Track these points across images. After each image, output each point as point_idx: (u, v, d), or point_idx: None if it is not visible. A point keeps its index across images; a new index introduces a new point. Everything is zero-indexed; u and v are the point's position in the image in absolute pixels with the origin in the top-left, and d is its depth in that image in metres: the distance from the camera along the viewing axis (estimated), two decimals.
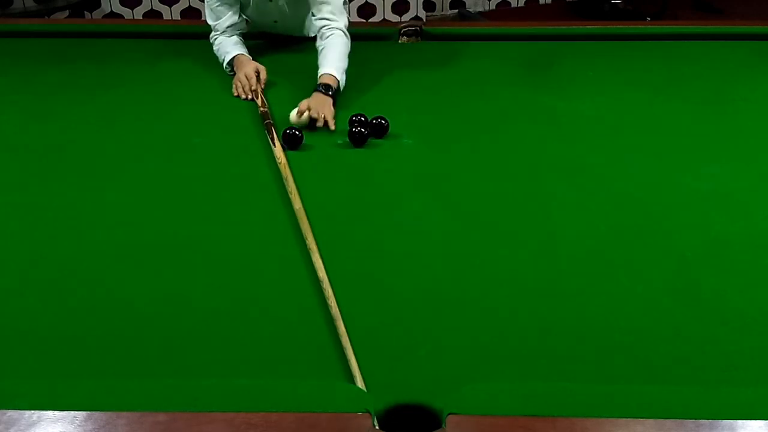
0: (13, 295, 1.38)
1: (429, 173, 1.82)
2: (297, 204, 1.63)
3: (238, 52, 2.39)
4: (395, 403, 1.08)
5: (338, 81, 2.15)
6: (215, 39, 2.44)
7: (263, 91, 2.25)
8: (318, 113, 2.01)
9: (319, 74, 2.15)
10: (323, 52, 2.20)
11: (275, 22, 2.53)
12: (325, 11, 2.25)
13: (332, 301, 1.31)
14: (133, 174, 1.82)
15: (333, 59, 2.18)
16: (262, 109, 2.13)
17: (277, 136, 1.93)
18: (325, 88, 2.10)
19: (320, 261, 1.42)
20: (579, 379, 1.16)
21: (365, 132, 1.94)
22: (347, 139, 1.95)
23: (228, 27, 2.41)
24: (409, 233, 1.57)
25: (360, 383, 1.13)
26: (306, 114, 2.01)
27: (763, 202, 1.67)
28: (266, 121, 2.03)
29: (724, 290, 1.38)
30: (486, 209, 1.66)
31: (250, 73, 2.28)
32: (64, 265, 1.47)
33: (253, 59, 2.36)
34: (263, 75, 2.30)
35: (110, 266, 1.46)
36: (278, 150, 1.86)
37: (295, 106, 2.03)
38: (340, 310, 1.28)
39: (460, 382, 1.11)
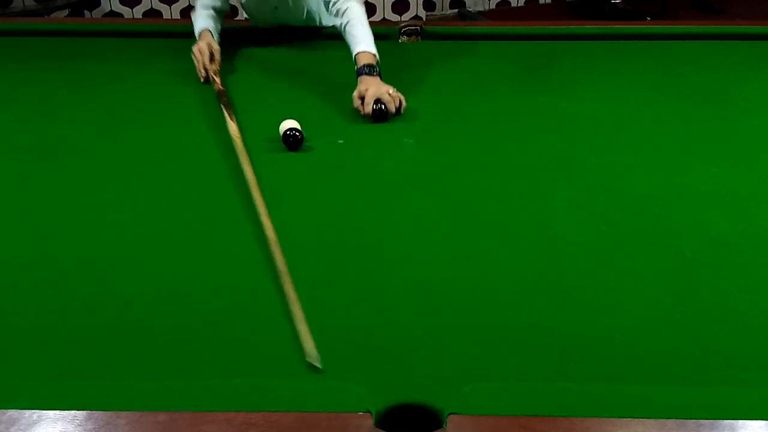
0: (13, 295, 1.38)
1: (429, 172, 1.82)
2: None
3: (204, 27, 2.31)
4: (396, 402, 1.08)
5: (376, 57, 2.03)
6: (194, 13, 2.37)
7: (218, 72, 2.20)
8: (389, 100, 1.92)
9: (354, 54, 2.02)
10: (349, 29, 2.06)
11: (275, 8, 2.46)
12: None
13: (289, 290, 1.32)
14: (133, 173, 1.82)
15: (363, 34, 2.04)
16: (218, 87, 2.08)
17: (233, 113, 1.91)
18: (370, 69, 1.98)
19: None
20: (579, 379, 1.16)
21: (384, 109, 1.98)
22: (347, 139, 1.95)
23: (210, 5, 2.35)
24: (409, 232, 1.56)
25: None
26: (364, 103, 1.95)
27: (764, 202, 1.67)
28: (223, 99, 1.99)
29: (725, 290, 1.37)
30: (486, 208, 1.66)
31: (203, 48, 2.21)
32: (64, 265, 1.46)
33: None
34: (217, 56, 2.25)
35: (110, 266, 1.46)
36: (233, 125, 1.86)
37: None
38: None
39: (461, 381, 1.11)
